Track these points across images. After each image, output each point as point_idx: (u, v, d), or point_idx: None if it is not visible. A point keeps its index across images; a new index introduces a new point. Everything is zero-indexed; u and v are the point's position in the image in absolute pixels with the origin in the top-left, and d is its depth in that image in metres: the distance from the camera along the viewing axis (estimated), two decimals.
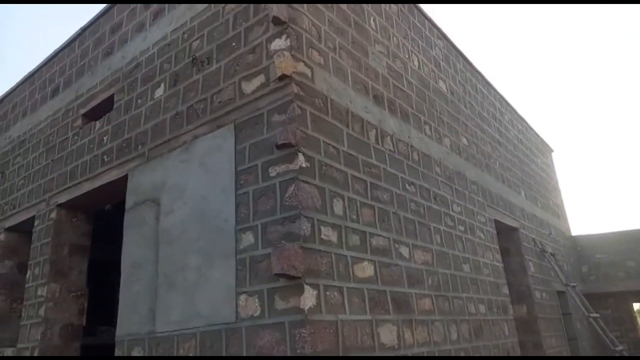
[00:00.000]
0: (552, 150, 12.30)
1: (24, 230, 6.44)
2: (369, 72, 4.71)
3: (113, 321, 8.84)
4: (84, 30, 6.35)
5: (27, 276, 5.83)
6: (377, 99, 4.73)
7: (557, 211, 10.92)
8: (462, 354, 4.74)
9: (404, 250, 4.36)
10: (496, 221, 6.79)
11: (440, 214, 5.23)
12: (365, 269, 3.78)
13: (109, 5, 5.96)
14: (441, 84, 6.38)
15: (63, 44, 6.68)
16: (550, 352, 7.23)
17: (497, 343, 5.56)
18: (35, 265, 5.73)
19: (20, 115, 7.21)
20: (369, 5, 5.08)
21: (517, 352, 6.06)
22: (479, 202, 6.41)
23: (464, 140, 6.59)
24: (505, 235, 7.43)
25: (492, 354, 5.36)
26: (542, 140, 11.53)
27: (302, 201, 3.35)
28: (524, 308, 7.20)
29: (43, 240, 5.75)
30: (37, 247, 5.81)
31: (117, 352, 4.27)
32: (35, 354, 5.22)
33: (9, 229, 6.58)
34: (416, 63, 5.82)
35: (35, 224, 5.99)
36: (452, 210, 5.56)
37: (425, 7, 6.49)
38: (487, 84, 8.28)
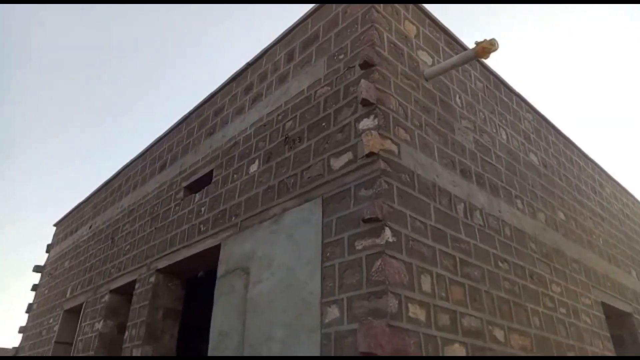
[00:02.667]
0: None
1: (126, 292, 6.96)
2: (455, 147, 4.72)
3: None
4: (190, 113, 7.15)
5: (125, 337, 6.20)
6: (465, 173, 4.68)
7: None
8: None
9: (499, 333, 4.05)
10: (604, 304, 6.09)
11: (537, 294, 4.83)
12: (457, 352, 3.56)
13: (214, 91, 6.69)
14: (532, 156, 6.17)
15: (172, 125, 7.55)
16: None
17: None
18: (133, 326, 6.11)
19: (132, 188, 8.08)
20: (454, 83, 5.20)
21: None
22: (582, 282, 5.84)
23: (561, 215, 6.18)
24: (617, 321, 6.59)
25: None
26: None
27: (388, 276, 3.32)
28: None
29: (142, 302, 6.16)
30: (136, 309, 6.22)
31: None
32: None
33: (113, 291, 7.15)
34: (504, 137, 5.73)
35: (136, 287, 6.46)
36: (551, 290, 5.12)
37: (513, 82, 6.49)
38: (584, 156, 7.82)
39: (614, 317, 6.52)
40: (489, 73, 6.08)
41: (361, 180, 3.80)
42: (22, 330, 10.08)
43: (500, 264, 4.52)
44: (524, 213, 5.37)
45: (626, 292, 6.96)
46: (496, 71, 6.19)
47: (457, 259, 4.03)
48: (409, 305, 3.38)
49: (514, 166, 5.62)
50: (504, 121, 5.87)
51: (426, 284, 3.61)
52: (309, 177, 4.34)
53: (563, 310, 5.15)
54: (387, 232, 3.49)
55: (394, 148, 3.92)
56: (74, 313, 8.24)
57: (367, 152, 3.75)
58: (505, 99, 6.19)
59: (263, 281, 4.37)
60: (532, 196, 5.69)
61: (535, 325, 4.57)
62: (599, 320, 5.78)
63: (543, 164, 6.35)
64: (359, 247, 3.58)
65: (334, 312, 3.54)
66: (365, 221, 3.57)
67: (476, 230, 4.44)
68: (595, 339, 5.49)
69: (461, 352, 3.60)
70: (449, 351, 3.50)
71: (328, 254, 3.81)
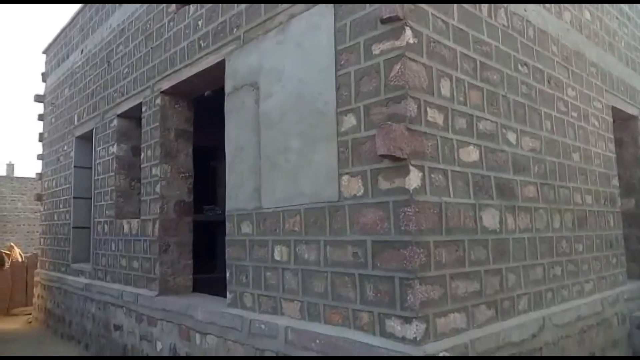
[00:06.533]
0: None
1: (134, 116, 6.95)
2: None
3: (215, 202, 9.69)
4: None
5: (142, 158, 6.40)
6: None
7: None
8: (564, 243, 4.62)
9: (511, 136, 4.10)
10: (614, 108, 6.10)
11: (553, 99, 4.77)
12: (471, 154, 3.64)
13: None
14: None
15: None
16: None
17: (600, 234, 5.32)
18: (148, 147, 6.25)
19: (118, 4, 7.37)
20: None
21: (621, 244, 5.80)
22: (597, 86, 5.72)
23: (587, 15, 5.72)
24: (621, 124, 6.70)
25: (595, 245, 5.17)
26: None
27: (408, 81, 3.18)
28: (632, 201, 6.72)
29: (152, 125, 6.18)
30: (147, 131, 6.27)
31: (228, 225, 4.67)
32: (157, 225, 5.91)
33: (120, 116, 7.14)
34: None
35: (143, 109, 6.40)
36: (567, 94, 5.03)
37: None
38: None
39: (619, 121, 6.60)
40: None
41: None
42: (40, 157, 10.47)
43: (520, 67, 4.33)
44: (550, 12, 4.94)
45: (637, 95, 6.91)
46: None
47: (478, 62, 3.83)
48: (428, 109, 3.31)
49: None
50: None
51: (445, 88, 3.48)
52: None
53: (574, 114, 5.15)
54: (408, 33, 3.22)
55: None
56: (86, 139, 8.41)
57: None
58: None
59: (274, 95, 4.25)
60: None
61: (547, 129, 4.61)
62: (606, 124, 5.85)
63: None
64: (377, 52, 3.35)
65: (350, 121, 3.50)
66: (384, 21, 3.26)
67: (499, 31, 4.12)
68: (600, 141, 5.64)
69: (475, 153, 3.68)
70: (464, 153, 3.57)
71: (342, 62, 3.60)
